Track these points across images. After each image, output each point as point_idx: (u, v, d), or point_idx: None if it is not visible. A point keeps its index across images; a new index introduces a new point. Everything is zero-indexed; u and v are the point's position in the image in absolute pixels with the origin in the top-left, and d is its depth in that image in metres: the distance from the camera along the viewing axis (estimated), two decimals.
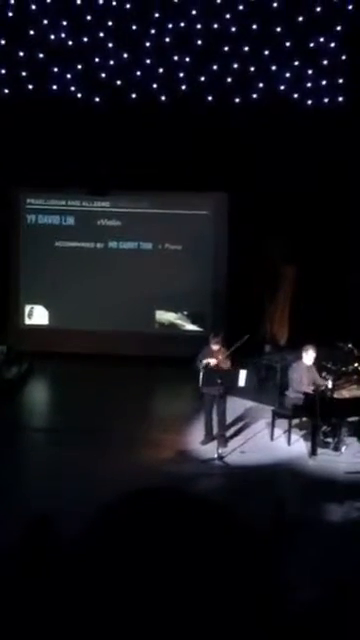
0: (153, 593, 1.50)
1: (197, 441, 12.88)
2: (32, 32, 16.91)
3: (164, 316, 18.85)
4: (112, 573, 1.53)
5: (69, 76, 17.19)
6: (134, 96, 17.29)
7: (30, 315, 19.08)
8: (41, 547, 4.03)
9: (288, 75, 17.01)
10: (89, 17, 16.87)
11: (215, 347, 12.81)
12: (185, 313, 18.81)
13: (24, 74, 17.16)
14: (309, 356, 12.99)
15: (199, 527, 1.63)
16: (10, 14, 16.87)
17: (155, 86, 17.22)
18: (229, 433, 13.25)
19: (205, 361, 12.55)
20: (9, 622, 2.27)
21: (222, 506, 1.76)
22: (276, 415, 13.24)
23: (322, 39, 16.76)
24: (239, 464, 12.07)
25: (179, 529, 1.58)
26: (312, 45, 16.81)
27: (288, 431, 12.98)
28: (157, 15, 16.81)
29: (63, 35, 16.97)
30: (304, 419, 13.01)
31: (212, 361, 12.52)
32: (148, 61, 17.10)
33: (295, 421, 13.07)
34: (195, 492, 1.71)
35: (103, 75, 17.22)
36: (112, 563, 1.55)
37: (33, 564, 3.51)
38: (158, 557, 1.54)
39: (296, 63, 16.92)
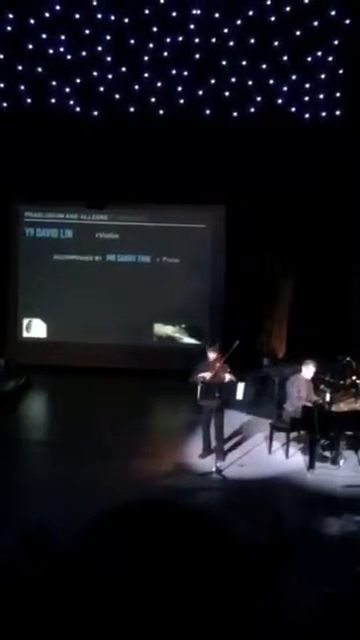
0: (149, 606, 1.50)
1: (195, 454, 12.85)
2: (31, 46, 16.96)
3: (162, 329, 18.85)
4: (108, 586, 1.53)
5: (67, 90, 17.23)
6: (132, 110, 17.33)
7: (28, 328, 19.08)
8: (38, 558, 4.02)
9: (286, 89, 17.06)
10: (87, 31, 16.92)
11: (212, 356, 12.80)
12: (183, 326, 18.81)
13: (23, 88, 17.22)
14: (309, 371, 12.97)
15: (196, 541, 1.63)
16: (9, 28, 16.92)
17: (153, 100, 17.27)
18: (227, 446, 13.22)
19: (201, 375, 12.51)
20: (8, 632, 2.27)
21: (219, 520, 1.76)
22: (274, 428, 13.22)
23: (319, 53, 16.82)
24: (237, 477, 12.05)
25: (175, 543, 1.58)
26: (309, 59, 16.87)
27: (286, 444, 12.96)
28: (155, 29, 16.86)
29: (62, 49, 17.02)
30: (302, 432, 12.99)
31: (207, 375, 12.51)
32: (146, 75, 17.15)
33: (293, 434, 13.05)
34: (192, 505, 1.71)
35: (101, 89, 17.27)
36: (108, 575, 1.55)
37: (30, 575, 3.50)
38: (154, 570, 1.54)
39: (294, 77, 16.97)
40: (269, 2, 16.64)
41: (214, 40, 16.92)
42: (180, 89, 17.19)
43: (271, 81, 17.04)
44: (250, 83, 17.07)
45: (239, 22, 16.79)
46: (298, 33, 16.71)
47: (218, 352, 12.88)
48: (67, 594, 1.57)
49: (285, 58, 16.87)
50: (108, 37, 16.98)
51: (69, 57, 17.07)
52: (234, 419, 14.50)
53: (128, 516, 1.67)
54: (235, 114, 17.20)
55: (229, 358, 12.69)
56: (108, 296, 18.61)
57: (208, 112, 17.23)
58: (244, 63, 16.98)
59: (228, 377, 12.56)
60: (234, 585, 1.59)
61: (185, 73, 17.10)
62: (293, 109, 17.15)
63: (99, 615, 1.51)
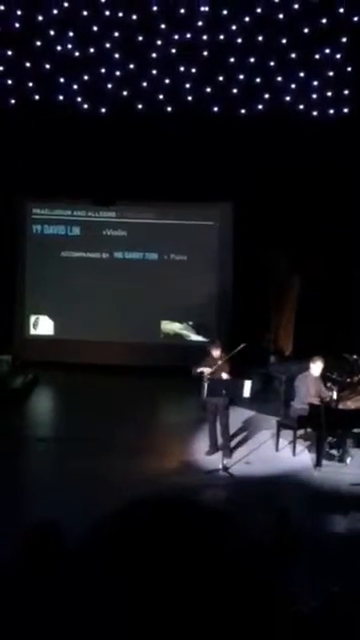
0: (156, 602, 1.51)
1: (202, 451, 12.87)
2: (39, 43, 16.97)
3: (169, 326, 18.85)
4: (116, 583, 1.53)
5: (75, 87, 17.24)
6: (140, 107, 17.33)
7: (35, 325, 19.08)
8: (46, 555, 4.02)
9: (294, 86, 17.05)
10: (95, 28, 16.92)
11: (216, 353, 12.82)
12: (190, 323, 18.81)
13: (31, 85, 17.23)
14: (317, 367, 12.96)
15: (204, 537, 1.63)
16: (17, 25, 16.93)
17: (161, 97, 17.27)
18: (234, 444, 13.24)
19: (199, 370, 12.57)
20: (14, 630, 2.27)
21: (229, 516, 1.77)
22: (281, 426, 13.22)
23: (327, 50, 16.80)
24: (244, 475, 12.05)
25: (184, 539, 1.59)
26: (317, 56, 16.85)
27: (293, 442, 12.96)
28: (163, 26, 16.86)
29: (69, 46, 17.03)
30: (309, 430, 12.99)
31: (206, 370, 12.55)
32: (154, 72, 17.15)
33: (300, 432, 13.05)
34: (201, 502, 1.71)
35: (109, 86, 17.28)
36: (116, 573, 1.55)
37: (38, 572, 3.51)
38: (162, 567, 1.54)
39: (301, 74, 16.95)
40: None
41: (222, 37, 16.91)
42: (188, 86, 17.18)
43: (279, 78, 17.02)
44: (258, 80, 17.06)
45: (247, 19, 16.78)
46: (306, 30, 16.69)
47: (221, 350, 12.91)
48: (76, 592, 1.57)
49: (293, 55, 16.85)
50: (116, 34, 16.98)
51: (77, 54, 17.08)
52: (240, 416, 14.52)
53: (136, 513, 1.68)
54: (243, 111, 17.19)
55: (232, 358, 12.72)
56: (115, 293, 18.60)
57: (216, 109, 17.22)
58: (252, 60, 16.96)
59: (225, 376, 12.59)
60: (241, 582, 1.59)
61: (193, 70, 17.10)
62: (301, 107, 17.13)
63: (108, 612, 1.51)
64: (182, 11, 16.79)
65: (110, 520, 1.63)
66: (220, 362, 12.66)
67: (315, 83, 17.01)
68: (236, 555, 1.56)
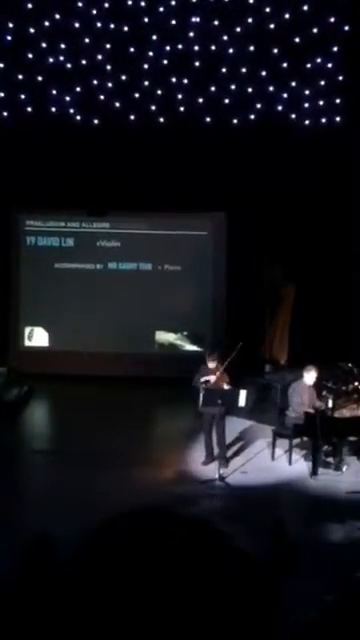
0: (148, 615, 1.51)
1: (198, 461, 12.85)
2: (31, 55, 17.01)
3: (164, 337, 18.83)
4: (108, 594, 1.53)
5: (68, 98, 17.27)
6: (132, 118, 17.36)
7: (30, 337, 19.05)
8: (40, 567, 4.02)
9: (285, 96, 17.10)
10: (87, 40, 16.97)
11: (212, 365, 12.80)
12: (185, 334, 18.80)
13: (23, 97, 17.25)
14: (311, 376, 12.96)
15: (196, 549, 1.63)
16: (9, 37, 16.97)
17: (153, 108, 17.30)
18: (230, 453, 13.22)
19: (203, 379, 12.53)
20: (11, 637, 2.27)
21: (220, 528, 1.77)
22: (277, 435, 13.21)
23: (319, 60, 16.88)
24: (240, 484, 12.03)
25: (174, 551, 1.59)
26: (309, 66, 16.92)
27: (289, 451, 12.95)
28: (155, 37, 16.92)
29: (62, 58, 17.08)
30: (305, 439, 12.98)
31: (211, 378, 12.50)
32: (146, 83, 17.19)
33: (296, 441, 13.04)
34: (194, 513, 1.71)
35: (102, 97, 17.31)
36: (108, 584, 1.55)
37: (32, 583, 3.51)
38: (153, 579, 1.54)
39: (293, 84, 17.01)
40: (268, 9, 16.71)
41: (214, 48, 16.98)
42: (180, 97, 17.23)
43: (271, 88, 17.08)
44: (250, 90, 17.11)
45: (238, 29, 16.85)
46: (297, 40, 16.76)
47: (217, 360, 12.89)
48: (69, 605, 1.57)
49: (285, 65, 16.92)
50: (108, 46, 17.04)
51: (69, 66, 17.13)
52: (236, 426, 14.50)
53: (129, 525, 1.68)
54: (235, 121, 17.23)
55: (231, 362, 12.70)
56: (110, 304, 18.58)
57: (208, 119, 17.26)
58: (244, 70, 17.02)
59: (226, 387, 12.57)
60: (236, 593, 1.59)
61: (185, 81, 17.15)
62: (293, 116, 17.19)
63: (101, 626, 1.51)
64: (173, 22, 16.86)
65: (102, 532, 1.63)
66: (219, 372, 12.64)
67: (307, 92, 17.07)
68: (221, 567, 1.56)
